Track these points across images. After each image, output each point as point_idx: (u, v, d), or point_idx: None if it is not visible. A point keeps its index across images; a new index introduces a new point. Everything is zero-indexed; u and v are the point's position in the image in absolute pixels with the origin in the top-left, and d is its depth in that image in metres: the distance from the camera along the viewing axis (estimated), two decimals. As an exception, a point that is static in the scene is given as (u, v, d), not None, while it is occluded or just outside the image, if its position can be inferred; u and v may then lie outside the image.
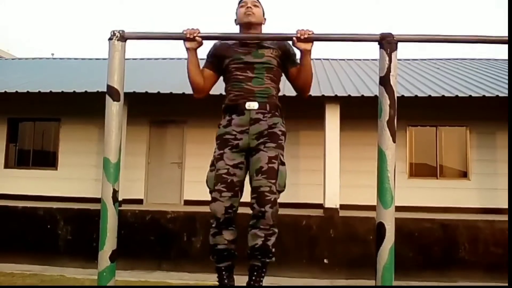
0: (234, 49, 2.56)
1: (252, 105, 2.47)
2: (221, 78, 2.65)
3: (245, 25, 2.56)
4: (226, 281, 2.47)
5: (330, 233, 8.32)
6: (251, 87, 2.49)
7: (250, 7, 2.56)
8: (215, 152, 2.53)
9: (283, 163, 2.49)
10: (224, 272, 2.49)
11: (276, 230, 2.46)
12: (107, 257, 2.29)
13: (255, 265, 2.44)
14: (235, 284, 2.52)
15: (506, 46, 2.34)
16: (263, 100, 2.49)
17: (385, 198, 2.16)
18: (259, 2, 2.63)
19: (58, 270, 6.93)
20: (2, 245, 8.34)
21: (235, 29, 2.64)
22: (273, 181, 2.41)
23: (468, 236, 8.12)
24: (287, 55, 2.59)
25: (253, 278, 2.43)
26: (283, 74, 2.65)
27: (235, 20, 2.65)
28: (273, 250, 2.44)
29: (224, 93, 2.61)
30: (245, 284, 2.44)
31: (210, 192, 2.48)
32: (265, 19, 2.66)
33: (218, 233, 2.46)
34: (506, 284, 6.02)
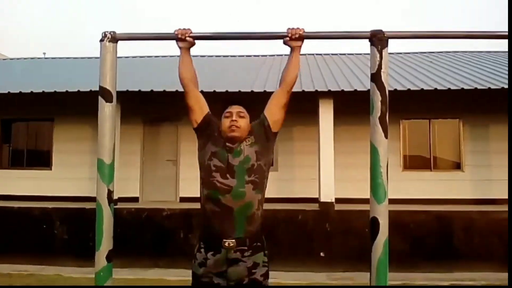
0: (220, 140, 2.40)
1: (230, 243, 2.27)
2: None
3: (230, 139, 2.37)
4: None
5: (326, 226, 8.37)
6: (230, 202, 2.27)
7: (235, 120, 2.37)
8: None
9: None
10: None
11: None
12: (103, 257, 2.31)
13: None
14: None
15: (504, 40, 2.34)
16: (242, 228, 2.29)
17: (379, 193, 2.19)
18: (245, 110, 2.43)
19: (55, 269, 6.94)
20: (-2, 246, 8.33)
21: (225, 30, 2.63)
22: None
23: (462, 227, 8.19)
24: (259, 126, 2.45)
25: None
26: (271, 156, 2.51)
27: (220, 129, 2.43)
28: None
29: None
30: None
31: None
32: (251, 125, 2.46)
33: None
34: (501, 272, 6.11)
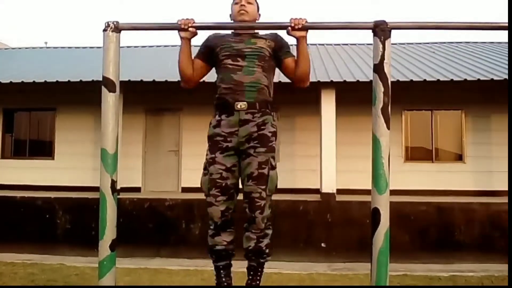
0: (226, 38, 2.56)
1: (242, 105, 2.45)
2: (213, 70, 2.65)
3: (239, 22, 2.56)
4: (223, 279, 2.54)
5: (327, 217, 8.40)
6: (241, 78, 2.46)
7: (244, 5, 2.54)
8: (207, 155, 2.54)
9: (273, 167, 2.51)
10: (222, 271, 2.55)
11: (269, 232, 2.55)
12: (107, 246, 2.32)
13: (251, 265, 2.55)
14: (232, 281, 2.59)
15: (504, 31, 2.33)
16: (253, 95, 2.46)
17: (380, 184, 2.20)
18: None
19: (58, 259, 6.96)
20: (2, 235, 8.39)
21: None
22: (263, 187, 2.44)
23: (463, 219, 8.22)
24: (280, 46, 2.56)
25: (251, 277, 2.54)
26: (276, 69, 2.62)
27: (230, 15, 2.64)
28: (267, 250, 2.53)
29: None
30: (244, 275, 2.51)
31: (205, 196, 2.52)
32: (259, 14, 2.65)
33: (216, 234, 2.53)
34: (501, 264, 6.13)
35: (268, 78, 2.54)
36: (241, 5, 2.55)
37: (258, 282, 2.54)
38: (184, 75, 2.55)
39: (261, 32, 2.62)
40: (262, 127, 2.47)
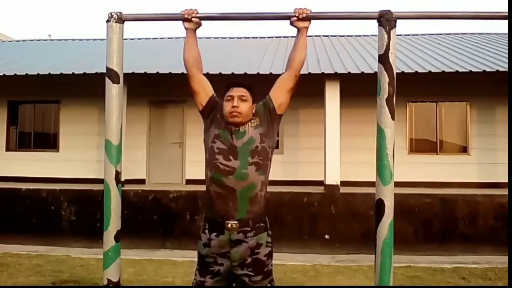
0: (224, 123, 2.38)
1: (233, 224, 2.27)
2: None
3: (230, 124, 2.36)
4: None
5: (331, 209, 8.41)
6: (233, 184, 2.26)
7: (236, 106, 2.32)
8: (195, 274, 2.40)
9: None
10: None
11: None
12: (112, 237, 2.34)
13: None
14: None
15: (504, 21, 2.33)
16: (245, 210, 2.28)
17: (385, 175, 2.20)
18: (248, 92, 2.38)
19: (63, 250, 7.03)
20: (7, 226, 8.45)
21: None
22: None
23: (467, 211, 8.20)
24: (264, 108, 2.41)
25: None
26: (275, 140, 2.46)
27: (222, 112, 2.41)
28: None
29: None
30: None
31: None
32: (254, 106, 2.41)
33: None
34: (505, 256, 6.13)
35: (264, 174, 2.34)
36: (233, 106, 2.33)
37: None
38: (187, 64, 2.48)
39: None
40: (256, 251, 2.30)
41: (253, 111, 2.39)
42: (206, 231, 2.36)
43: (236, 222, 2.26)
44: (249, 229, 2.28)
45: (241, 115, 2.32)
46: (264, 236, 2.33)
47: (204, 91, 2.48)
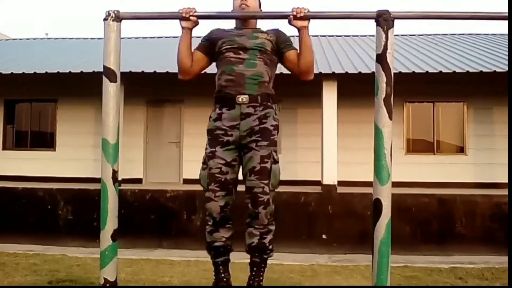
0: (229, 33, 2.54)
1: (243, 98, 2.41)
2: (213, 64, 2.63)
3: (241, 21, 2.56)
4: (222, 275, 2.53)
5: (328, 209, 8.41)
6: (243, 70, 2.42)
7: (245, 0, 2.52)
8: (206, 149, 2.49)
9: (276, 161, 2.46)
10: (221, 267, 2.54)
11: (272, 228, 2.50)
12: (108, 236, 2.33)
13: (254, 261, 2.51)
14: (230, 277, 2.58)
15: (502, 21, 2.33)
16: (254, 88, 2.43)
17: (382, 175, 2.20)
18: None
19: (60, 249, 7.00)
20: (4, 226, 8.42)
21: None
22: (266, 181, 2.40)
23: (464, 211, 8.22)
24: (282, 40, 2.54)
25: (254, 273, 2.50)
26: (278, 64, 2.60)
27: (232, 10, 2.63)
28: (270, 246, 2.50)
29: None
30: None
31: (204, 191, 2.48)
32: (261, 10, 2.64)
33: (215, 231, 2.49)
34: (502, 256, 6.15)
35: (270, 72, 2.51)
36: (242, 0, 2.53)
37: (261, 277, 2.51)
38: (182, 66, 2.51)
39: (263, 23, 2.60)
40: (264, 121, 2.43)
41: (271, 33, 2.53)
42: (217, 107, 2.49)
43: (246, 96, 2.40)
44: (257, 104, 2.43)
45: (249, 8, 2.52)
46: (271, 111, 2.48)
47: (202, 60, 2.57)
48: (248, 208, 2.43)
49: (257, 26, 2.60)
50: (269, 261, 2.63)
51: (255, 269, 2.50)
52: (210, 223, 2.49)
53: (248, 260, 2.56)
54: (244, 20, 2.54)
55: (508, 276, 3.72)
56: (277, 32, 2.56)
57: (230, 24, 2.63)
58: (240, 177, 2.50)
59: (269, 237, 2.47)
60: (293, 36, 2.52)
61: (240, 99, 2.40)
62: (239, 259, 2.79)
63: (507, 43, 11.49)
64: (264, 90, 2.46)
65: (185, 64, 2.50)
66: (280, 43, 2.52)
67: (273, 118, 2.47)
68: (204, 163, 2.49)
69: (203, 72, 2.64)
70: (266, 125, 2.43)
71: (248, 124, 2.41)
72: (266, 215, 2.42)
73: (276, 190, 2.49)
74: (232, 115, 2.42)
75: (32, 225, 8.57)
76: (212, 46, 2.54)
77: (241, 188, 2.53)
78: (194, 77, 2.59)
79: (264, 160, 2.39)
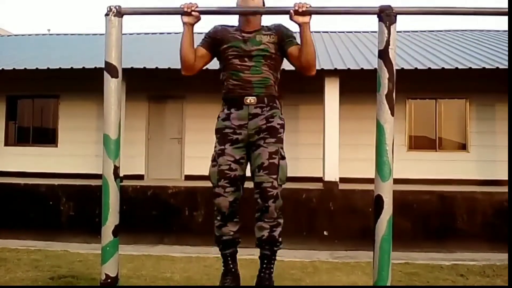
0: (234, 35, 2.56)
1: (251, 99, 2.50)
2: (215, 60, 2.65)
3: (245, 22, 2.57)
4: (231, 265, 2.63)
5: (329, 205, 8.41)
6: (249, 77, 2.50)
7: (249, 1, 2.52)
8: (215, 147, 2.59)
9: (283, 157, 2.56)
10: (229, 258, 2.63)
11: (281, 221, 2.58)
12: (110, 232, 2.33)
13: (265, 254, 2.58)
14: (238, 267, 2.67)
15: (505, 17, 2.32)
16: (261, 91, 2.51)
17: (384, 171, 2.19)
18: None
19: (62, 245, 7.02)
20: (6, 221, 8.45)
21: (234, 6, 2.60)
22: (275, 176, 2.48)
23: (466, 208, 8.21)
24: (284, 36, 2.56)
25: (265, 266, 2.59)
26: (283, 62, 2.63)
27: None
28: (280, 239, 2.58)
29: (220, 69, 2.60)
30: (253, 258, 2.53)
31: (214, 187, 2.56)
32: (264, 5, 2.62)
33: (223, 225, 2.58)
34: (503, 253, 6.14)
35: (275, 75, 2.59)
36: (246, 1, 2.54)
37: (272, 270, 2.60)
38: (186, 62, 2.52)
39: (266, 20, 2.60)
40: (271, 120, 2.53)
41: (273, 31, 2.56)
42: (225, 108, 2.57)
43: (254, 97, 2.50)
44: (264, 105, 2.52)
45: (253, 2, 2.51)
46: (277, 111, 2.58)
47: (204, 57, 2.59)
48: (258, 203, 2.50)
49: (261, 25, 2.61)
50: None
51: (265, 261, 2.58)
52: (219, 218, 2.57)
53: (252, 257, 2.60)
54: (248, 20, 2.54)
55: (508, 275, 3.71)
56: (279, 28, 2.57)
57: (233, 19, 2.62)
58: (248, 173, 2.57)
59: (279, 229, 2.56)
60: (295, 32, 2.52)
61: (248, 101, 2.50)
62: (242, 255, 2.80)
63: (507, 39, 11.44)
64: (270, 92, 2.56)
65: (189, 60, 2.51)
66: (282, 39, 2.55)
67: (279, 118, 2.58)
68: (213, 160, 2.58)
69: (204, 68, 2.64)
70: (273, 123, 2.53)
71: (256, 123, 2.51)
72: (276, 208, 2.50)
73: (283, 182, 2.56)
74: (241, 115, 2.51)
75: (34, 221, 8.59)
76: (215, 45, 2.57)
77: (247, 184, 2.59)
78: (197, 73, 2.62)
79: (272, 156, 2.49)
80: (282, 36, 2.55)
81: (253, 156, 2.52)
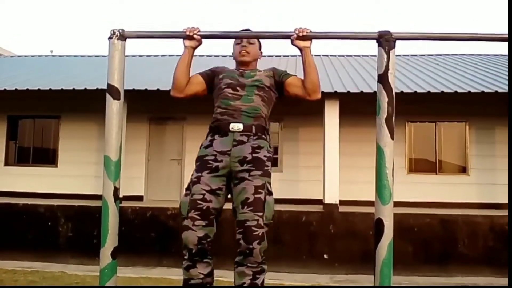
0: (232, 70, 2.60)
1: (237, 126, 2.36)
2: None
3: (240, 63, 2.61)
4: None
5: (329, 228, 8.35)
6: (239, 105, 2.41)
7: (245, 46, 2.57)
8: (192, 174, 2.40)
9: (270, 193, 2.32)
10: None
11: (265, 267, 2.30)
12: (108, 254, 2.31)
13: None
14: None
15: (505, 43, 2.34)
16: (249, 120, 2.38)
17: (384, 195, 2.18)
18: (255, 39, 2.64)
19: (59, 267, 6.95)
20: (3, 242, 8.37)
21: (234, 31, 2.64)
22: (260, 213, 2.22)
23: (467, 231, 8.15)
24: (280, 72, 2.59)
25: None
26: (275, 101, 2.59)
27: (232, 53, 2.68)
28: None
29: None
30: None
31: (182, 220, 2.32)
32: (261, 53, 2.70)
33: (192, 267, 2.31)
34: (504, 277, 6.07)
35: (266, 108, 2.49)
36: (242, 45, 2.57)
37: None
38: (177, 83, 2.49)
39: (264, 60, 2.64)
40: (257, 151, 2.34)
41: (268, 72, 2.57)
42: (209, 135, 2.44)
43: (240, 124, 2.35)
44: (251, 134, 2.36)
45: (249, 55, 2.56)
46: (265, 143, 2.40)
47: (200, 84, 2.55)
48: (240, 245, 2.22)
49: (257, 67, 2.66)
50: (268, 281, 2.58)
51: None
52: (186, 257, 2.31)
53: None
54: (243, 63, 2.59)
55: (508, 276, 3.63)
56: (273, 68, 2.62)
57: (231, 44, 2.67)
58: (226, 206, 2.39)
59: (262, 277, 2.26)
60: (295, 56, 2.56)
61: (234, 127, 2.35)
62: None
63: (507, 64, 11.55)
64: (260, 122, 2.41)
65: (181, 81, 2.48)
66: (278, 75, 2.56)
67: (267, 150, 2.38)
68: (187, 189, 2.39)
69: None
70: (259, 155, 2.33)
71: (241, 151, 2.31)
72: (261, 251, 2.21)
73: (276, 206, 2.38)
74: (224, 141, 2.35)
75: (32, 242, 8.52)
76: (213, 78, 2.57)
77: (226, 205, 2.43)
78: (185, 98, 2.53)
79: (258, 191, 2.25)
80: (277, 72, 2.58)
81: (236, 190, 2.28)
